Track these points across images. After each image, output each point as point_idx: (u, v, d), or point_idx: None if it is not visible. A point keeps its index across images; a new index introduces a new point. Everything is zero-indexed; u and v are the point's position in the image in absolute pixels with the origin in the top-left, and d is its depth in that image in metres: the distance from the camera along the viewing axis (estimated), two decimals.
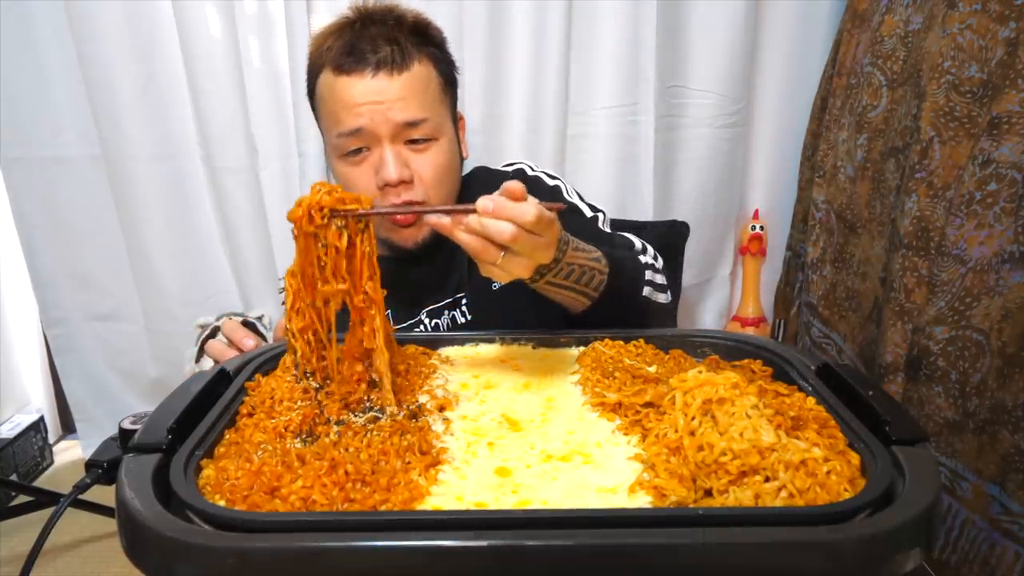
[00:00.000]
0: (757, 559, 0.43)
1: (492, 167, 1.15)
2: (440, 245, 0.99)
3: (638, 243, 1.01)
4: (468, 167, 1.13)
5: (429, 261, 1.03)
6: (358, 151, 0.97)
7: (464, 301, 1.03)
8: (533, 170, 1.10)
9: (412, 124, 0.95)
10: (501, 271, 0.70)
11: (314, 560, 0.43)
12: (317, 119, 1.04)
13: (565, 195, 1.06)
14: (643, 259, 0.97)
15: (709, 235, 1.73)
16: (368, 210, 0.69)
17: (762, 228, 1.77)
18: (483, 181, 1.07)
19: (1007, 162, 0.98)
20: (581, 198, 1.08)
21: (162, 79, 1.64)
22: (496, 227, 0.66)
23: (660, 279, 0.97)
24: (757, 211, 1.78)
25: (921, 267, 1.10)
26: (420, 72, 0.96)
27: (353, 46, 0.94)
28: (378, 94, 0.93)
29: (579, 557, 0.43)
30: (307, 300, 0.69)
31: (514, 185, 0.67)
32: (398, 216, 0.97)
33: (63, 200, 1.76)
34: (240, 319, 0.97)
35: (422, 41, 0.99)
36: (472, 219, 0.67)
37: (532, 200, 0.67)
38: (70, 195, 1.75)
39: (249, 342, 0.88)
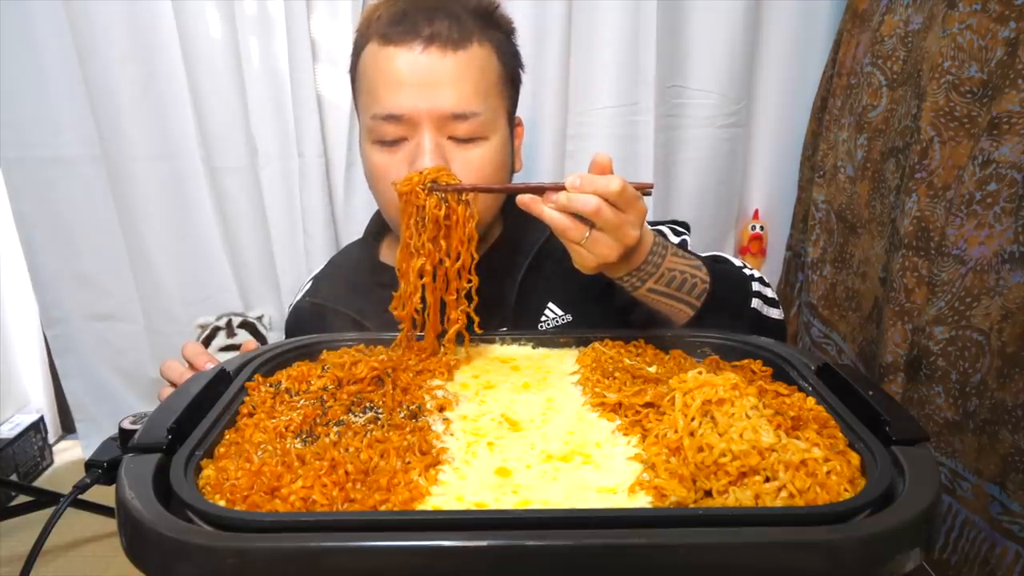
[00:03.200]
0: (757, 559, 0.43)
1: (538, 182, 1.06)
2: (491, 274, 0.85)
3: (738, 261, 0.96)
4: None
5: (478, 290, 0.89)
6: (395, 141, 0.85)
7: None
8: None
9: (459, 116, 0.83)
10: (588, 252, 0.69)
11: (314, 560, 0.43)
12: (355, 97, 0.93)
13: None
14: (748, 272, 0.91)
15: (709, 235, 1.73)
16: (467, 185, 0.76)
17: (762, 228, 1.77)
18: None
19: (1007, 162, 0.98)
20: (666, 222, 1.02)
21: (162, 79, 1.64)
22: (581, 199, 0.66)
23: (770, 293, 0.90)
24: (757, 211, 1.78)
25: (921, 267, 1.10)
26: (479, 55, 0.84)
27: (405, 14, 0.83)
28: (426, 72, 0.82)
29: (579, 557, 0.43)
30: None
31: (601, 157, 0.69)
32: None
33: (63, 200, 1.76)
34: (240, 319, 0.96)
35: (486, 23, 0.87)
36: (560, 195, 0.68)
37: (614, 177, 0.67)
38: (70, 195, 1.76)
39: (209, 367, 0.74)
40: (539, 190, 0.71)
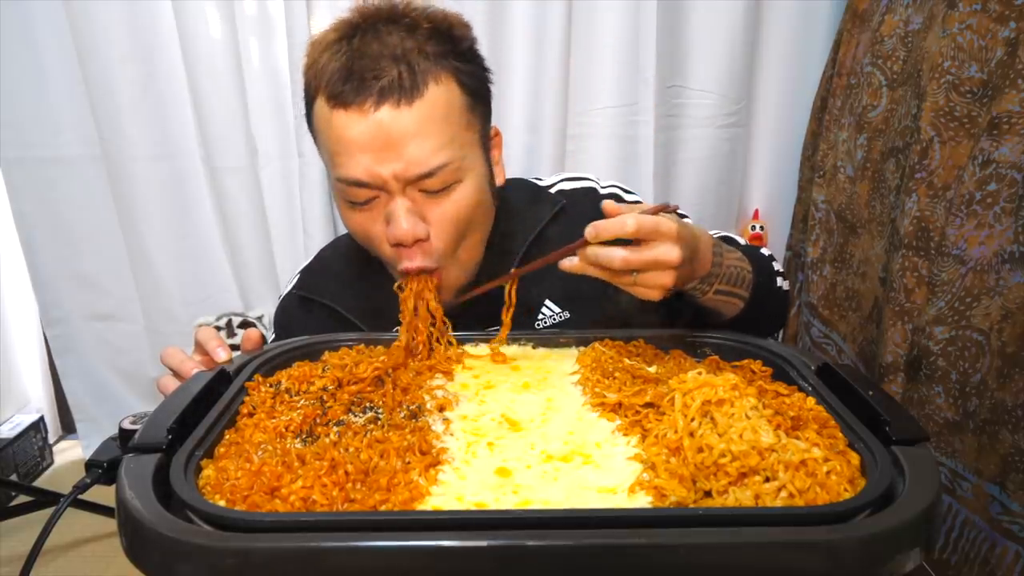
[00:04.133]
0: (757, 559, 0.43)
1: (542, 180, 1.02)
2: (483, 273, 0.87)
3: (740, 240, 0.96)
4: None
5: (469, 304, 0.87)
6: (366, 202, 0.80)
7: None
8: (603, 186, 1.00)
9: (427, 175, 0.77)
10: (645, 289, 0.70)
11: (314, 560, 0.43)
12: (316, 146, 0.86)
13: None
14: (762, 250, 0.92)
15: None
16: (504, 278, 0.80)
17: (762, 228, 1.77)
18: (528, 193, 0.98)
19: (1007, 162, 0.98)
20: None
21: (162, 79, 1.64)
22: (605, 259, 0.67)
23: (779, 266, 0.92)
24: (757, 211, 1.78)
25: (921, 267, 1.10)
26: (437, 96, 0.77)
27: (351, 69, 0.76)
28: (384, 135, 0.75)
29: (579, 557, 0.43)
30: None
31: (607, 206, 0.69)
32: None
33: (63, 200, 1.76)
34: (240, 319, 0.96)
35: (442, 51, 0.79)
36: (588, 252, 0.68)
37: (630, 213, 0.68)
38: (70, 195, 1.76)
39: (222, 354, 0.72)
40: (571, 252, 0.72)
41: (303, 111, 0.86)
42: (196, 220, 1.77)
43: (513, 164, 1.65)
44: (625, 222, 0.66)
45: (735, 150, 1.70)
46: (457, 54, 0.81)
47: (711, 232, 0.94)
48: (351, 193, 0.80)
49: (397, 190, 0.78)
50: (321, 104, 0.79)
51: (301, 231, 1.72)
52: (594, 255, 0.68)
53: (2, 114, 1.66)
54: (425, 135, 0.76)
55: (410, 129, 0.76)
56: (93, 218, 1.78)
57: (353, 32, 0.79)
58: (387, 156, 0.76)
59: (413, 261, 0.81)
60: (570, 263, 0.72)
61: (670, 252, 0.68)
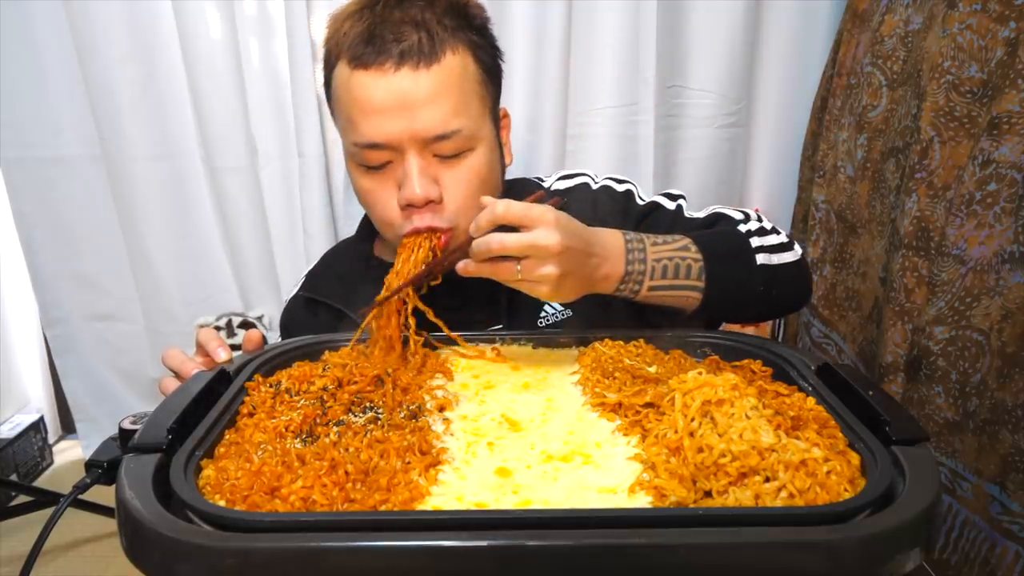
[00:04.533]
0: (757, 559, 0.43)
1: (544, 181, 1.02)
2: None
3: (737, 214, 0.91)
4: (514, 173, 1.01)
5: (462, 291, 0.85)
6: (380, 166, 0.82)
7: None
8: (596, 180, 0.99)
9: (442, 137, 0.80)
10: (533, 284, 0.69)
11: (314, 560, 0.43)
12: (333, 115, 0.90)
13: (638, 198, 0.96)
14: (744, 228, 0.87)
15: None
16: (390, 294, 0.78)
17: None
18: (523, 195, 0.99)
19: (1007, 162, 0.98)
20: (662, 193, 0.98)
21: (162, 79, 1.64)
22: (484, 242, 0.67)
23: (773, 239, 0.86)
24: (757, 211, 1.77)
25: (921, 267, 1.10)
26: (453, 64, 0.80)
27: (372, 33, 0.79)
28: (402, 96, 0.78)
29: (579, 557, 0.43)
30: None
31: (483, 199, 0.69)
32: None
33: (63, 200, 1.76)
34: (240, 319, 0.96)
35: (458, 24, 0.82)
36: (472, 245, 0.68)
37: (498, 202, 0.67)
38: (70, 195, 1.76)
39: (222, 354, 0.72)
40: (462, 254, 0.71)
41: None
42: (196, 220, 1.77)
43: (513, 164, 1.64)
44: (495, 205, 0.67)
45: (735, 150, 1.70)
46: (472, 28, 0.84)
47: (707, 210, 0.94)
48: (365, 156, 0.82)
49: (413, 150, 0.80)
50: (342, 68, 0.81)
51: (301, 231, 1.72)
52: (475, 246, 0.68)
53: (2, 114, 1.66)
54: (441, 99, 0.79)
55: (428, 92, 0.78)
56: (93, 218, 1.78)
57: (375, 3, 0.82)
58: (403, 117, 0.78)
59: (423, 220, 0.81)
60: (463, 266, 0.71)
61: (547, 237, 0.66)
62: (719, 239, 0.84)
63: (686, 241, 0.79)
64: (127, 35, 1.60)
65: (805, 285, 0.90)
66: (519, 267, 0.68)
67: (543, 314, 0.92)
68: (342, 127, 0.86)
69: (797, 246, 0.88)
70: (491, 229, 0.68)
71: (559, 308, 0.92)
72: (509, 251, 0.67)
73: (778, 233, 0.88)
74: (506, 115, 0.93)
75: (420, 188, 0.79)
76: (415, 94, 0.78)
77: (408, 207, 0.81)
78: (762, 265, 0.83)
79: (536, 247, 0.67)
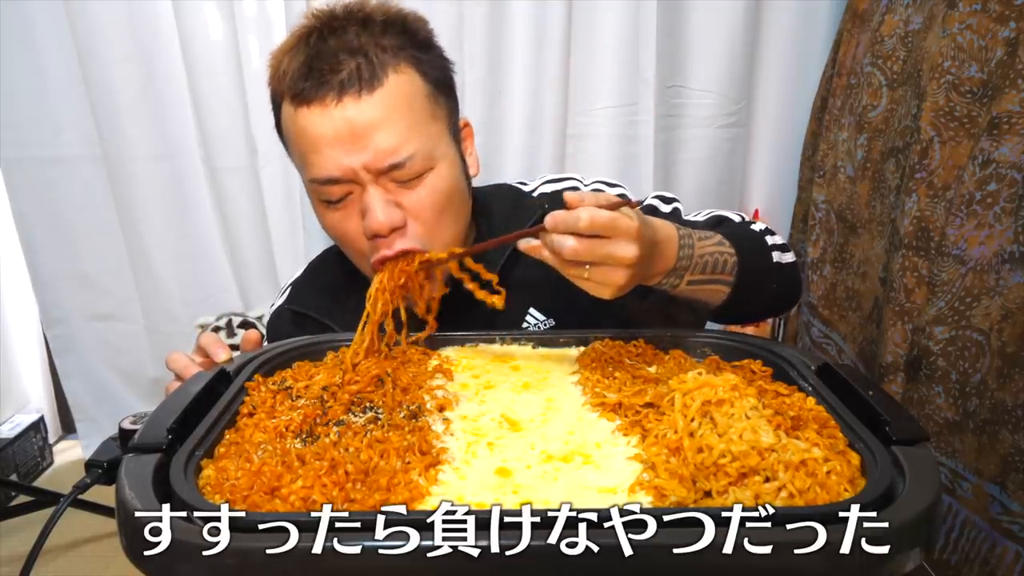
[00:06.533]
0: (757, 559, 0.43)
1: (526, 185, 1.00)
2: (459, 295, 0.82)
3: (736, 216, 0.92)
4: (484, 181, 0.99)
5: (444, 300, 0.85)
6: (340, 199, 0.81)
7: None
8: (585, 184, 0.98)
9: (397, 166, 0.78)
10: (596, 284, 0.67)
11: (314, 560, 0.43)
12: (288, 155, 0.87)
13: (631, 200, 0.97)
14: (756, 227, 0.88)
15: None
16: (461, 251, 0.78)
17: None
18: (511, 201, 0.96)
19: (1007, 162, 0.98)
20: (654, 195, 0.97)
21: (162, 79, 1.64)
22: (559, 242, 0.65)
23: (779, 240, 0.87)
24: (757, 211, 1.78)
25: (921, 267, 1.10)
26: (398, 85, 0.78)
27: (310, 67, 0.77)
28: (349, 126, 0.76)
29: (579, 557, 0.43)
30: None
31: (569, 194, 0.66)
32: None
33: (63, 200, 1.76)
34: (240, 319, 0.95)
35: (399, 43, 0.80)
36: (546, 238, 0.66)
37: (586, 206, 0.65)
38: (70, 195, 1.76)
39: (221, 354, 0.73)
40: (532, 234, 0.69)
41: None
42: (196, 220, 1.77)
43: (513, 164, 1.65)
44: (579, 217, 0.64)
45: (735, 150, 1.70)
46: (415, 44, 0.81)
47: (704, 213, 0.94)
48: (325, 192, 0.80)
49: (369, 181, 0.78)
50: (287, 107, 0.80)
51: (301, 231, 1.72)
52: (549, 241, 0.66)
53: (2, 114, 1.66)
54: (390, 123, 0.77)
55: (374, 119, 0.76)
56: (93, 218, 1.78)
57: (309, 34, 0.80)
58: (355, 148, 0.76)
59: (392, 248, 0.80)
60: (526, 244, 0.69)
61: (626, 249, 0.65)
62: (745, 236, 0.84)
63: (719, 237, 0.79)
64: (127, 35, 1.60)
65: (800, 286, 0.92)
66: (587, 270, 0.67)
67: (525, 324, 0.92)
68: (298, 165, 0.84)
69: (792, 251, 0.90)
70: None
71: (541, 318, 0.92)
72: (582, 259, 0.66)
73: (777, 235, 0.90)
74: (467, 124, 0.91)
75: (383, 216, 0.78)
76: (361, 123, 0.76)
77: (375, 237, 0.80)
78: (776, 263, 0.84)
79: (613, 257, 0.65)
